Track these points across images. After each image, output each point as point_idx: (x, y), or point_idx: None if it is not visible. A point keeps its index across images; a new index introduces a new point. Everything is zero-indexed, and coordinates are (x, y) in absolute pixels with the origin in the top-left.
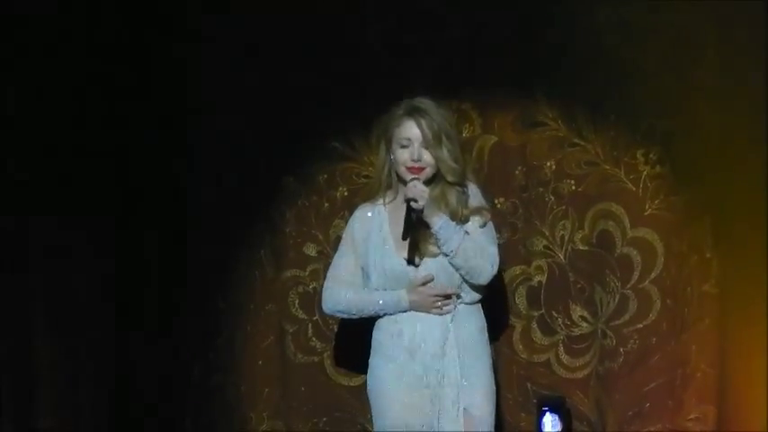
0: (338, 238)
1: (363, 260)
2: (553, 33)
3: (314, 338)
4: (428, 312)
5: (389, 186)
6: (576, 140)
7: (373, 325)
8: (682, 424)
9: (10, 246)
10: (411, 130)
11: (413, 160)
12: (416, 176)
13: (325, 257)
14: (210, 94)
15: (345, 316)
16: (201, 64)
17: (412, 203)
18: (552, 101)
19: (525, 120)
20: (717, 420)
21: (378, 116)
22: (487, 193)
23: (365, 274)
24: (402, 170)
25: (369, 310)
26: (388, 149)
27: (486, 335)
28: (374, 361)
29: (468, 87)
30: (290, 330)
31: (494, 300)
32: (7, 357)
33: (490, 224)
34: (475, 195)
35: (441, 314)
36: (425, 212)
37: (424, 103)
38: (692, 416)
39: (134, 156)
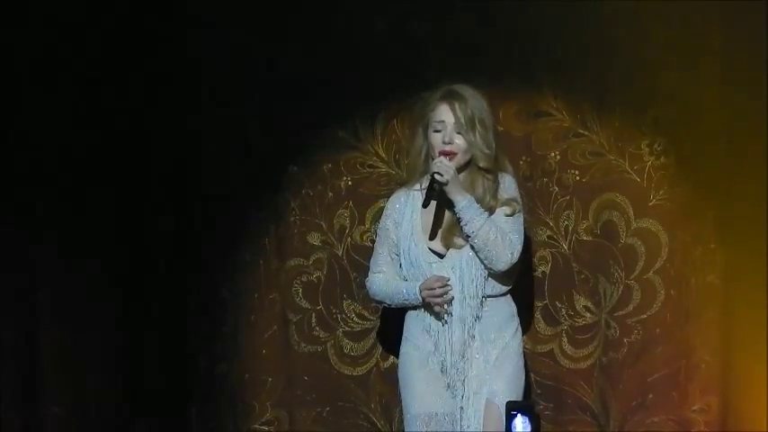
0: (342, 228)
1: (395, 248)
2: (558, 24)
3: (317, 328)
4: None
5: (426, 173)
6: (581, 131)
7: (404, 315)
8: (685, 415)
9: (15, 235)
10: (445, 113)
11: (444, 143)
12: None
13: (329, 247)
14: (215, 84)
15: (385, 304)
16: (206, 53)
17: (436, 176)
18: (557, 91)
19: (530, 110)
20: (720, 411)
21: (384, 106)
22: None
23: (398, 262)
24: (435, 154)
25: (396, 300)
26: (425, 135)
27: (517, 322)
28: (403, 348)
29: (474, 77)
30: (294, 320)
31: None
32: (12, 346)
33: (519, 216)
34: (507, 188)
35: (440, 312)
36: (451, 190)
37: (461, 88)
38: (695, 407)
39: (140, 146)
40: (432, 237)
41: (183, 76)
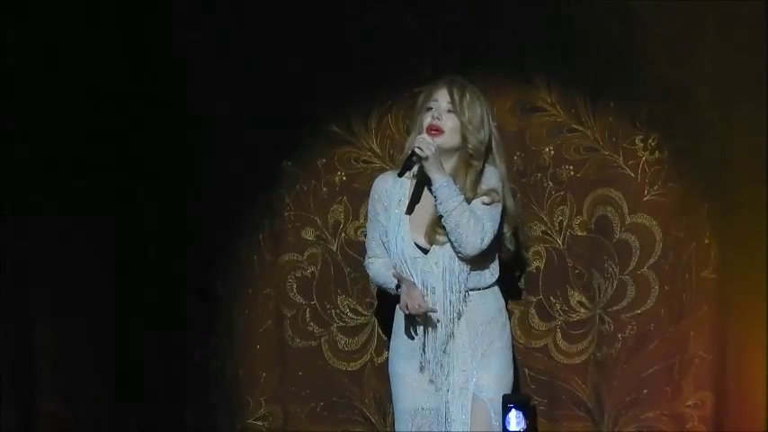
0: (336, 223)
1: (383, 230)
2: (553, 19)
3: (311, 323)
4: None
5: None
6: (575, 126)
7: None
8: (679, 410)
9: (11, 231)
10: (440, 94)
11: (433, 117)
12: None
13: (324, 242)
14: (209, 79)
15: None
16: (201, 49)
17: (416, 150)
18: (551, 86)
19: (524, 105)
20: (714, 406)
21: (378, 101)
22: None
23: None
24: (423, 132)
25: (386, 286)
26: (422, 118)
27: (505, 316)
28: (392, 343)
29: (468, 72)
30: (288, 315)
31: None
32: (8, 341)
33: (497, 206)
34: (488, 179)
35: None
36: (430, 168)
37: (465, 81)
38: (689, 402)
39: (135, 142)
40: (409, 211)
41: (178, 71)
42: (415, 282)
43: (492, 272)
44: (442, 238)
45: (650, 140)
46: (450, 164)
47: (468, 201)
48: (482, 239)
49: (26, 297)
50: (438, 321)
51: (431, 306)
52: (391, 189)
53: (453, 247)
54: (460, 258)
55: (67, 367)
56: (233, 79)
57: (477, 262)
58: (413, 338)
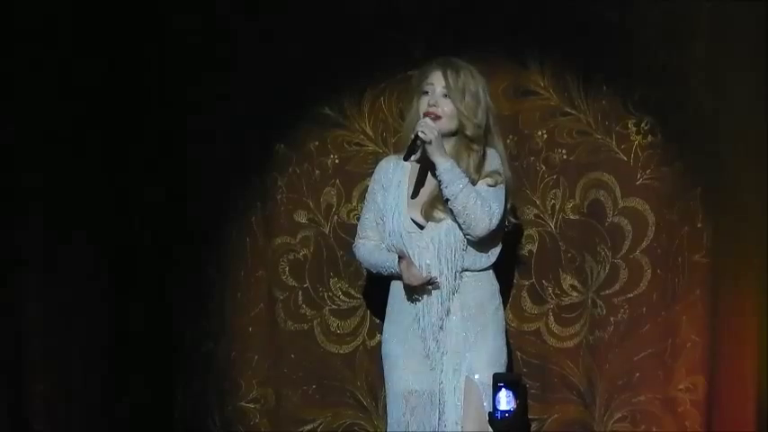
0: (329, 206)
1: (378, 211)
2: (547, 2)
3: (304, 306)
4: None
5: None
6: (568, 110)
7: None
8: (671, 393)
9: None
10: (436, 77)
11: (430, 104)
12: None
13: (316, 225)
14: (202, 62)
15: (372, 271)
16: (193, 32)
17: (419, 134)
18: (545, 70)
19: (517, 89)
20: (706, 390)
21: (371, 84)
22: None
23: (382, 227)
24: (420, 116)
25: (381, 271)
26: (418, 102)
27: (499, 300)
28: (385, 326)
29: (461, 56)
30: (281, 297)
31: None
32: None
33: (501, 188)
34: (491, 162)
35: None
36: (433, 152)
37: (458, 61)
38: (681, 386)
39: (127, 124)
40: (414, 196)
41: (170, 54)
42: (411, 257)
43: (489, 256)
44: (438, 215)
45: (643, 124)
46: (450, 147)
47: (473, 183)
48: (490, 219)
49: (14, 277)
50: (439, 288)
51: (431, 275)
52: (393, 171)
53: (462, 229)
54: (469, 240)
55: (56, 350)
56: (226, 62)
57: (479, 243)
58: (408, 319)
